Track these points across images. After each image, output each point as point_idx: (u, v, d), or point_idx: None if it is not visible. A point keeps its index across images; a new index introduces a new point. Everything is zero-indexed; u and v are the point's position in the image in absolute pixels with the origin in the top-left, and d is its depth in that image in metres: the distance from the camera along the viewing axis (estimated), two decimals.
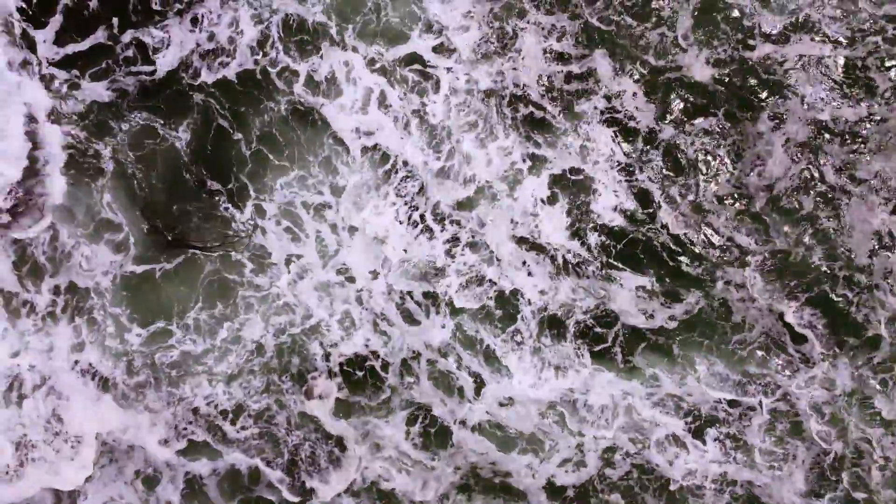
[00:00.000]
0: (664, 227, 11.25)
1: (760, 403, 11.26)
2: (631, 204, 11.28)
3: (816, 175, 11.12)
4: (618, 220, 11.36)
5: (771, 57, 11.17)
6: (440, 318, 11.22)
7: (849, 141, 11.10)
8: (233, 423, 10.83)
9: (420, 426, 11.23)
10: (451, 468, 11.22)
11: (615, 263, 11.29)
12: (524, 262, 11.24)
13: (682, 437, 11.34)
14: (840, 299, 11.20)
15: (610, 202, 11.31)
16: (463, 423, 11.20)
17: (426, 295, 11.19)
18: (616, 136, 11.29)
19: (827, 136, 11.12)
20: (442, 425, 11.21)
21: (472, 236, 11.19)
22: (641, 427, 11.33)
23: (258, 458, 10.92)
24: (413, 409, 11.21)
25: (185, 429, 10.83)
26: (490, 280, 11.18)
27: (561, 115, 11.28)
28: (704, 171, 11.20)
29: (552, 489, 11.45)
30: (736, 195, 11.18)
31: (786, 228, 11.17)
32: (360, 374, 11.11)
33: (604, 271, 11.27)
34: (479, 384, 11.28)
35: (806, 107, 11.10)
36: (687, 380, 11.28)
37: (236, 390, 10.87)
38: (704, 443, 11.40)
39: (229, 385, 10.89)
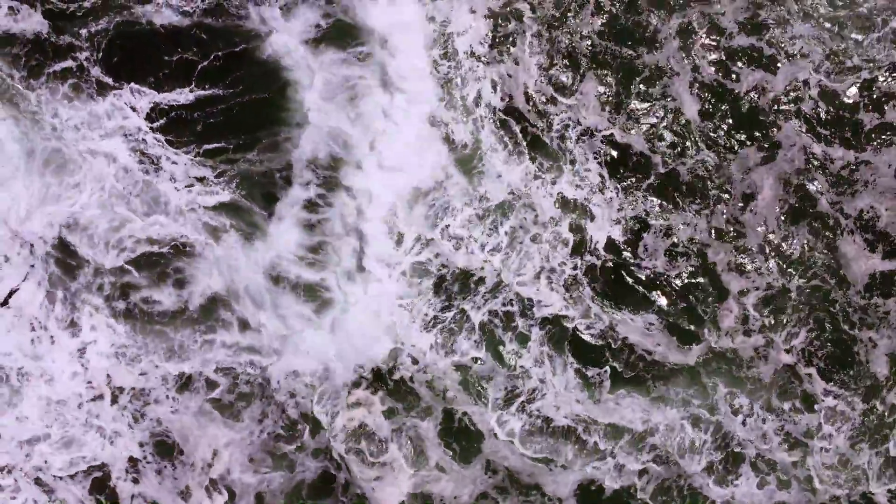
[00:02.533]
0: (659, 263, 11.53)
1: (785, 432, 11.51)
2: (625, 236, 11.57)
3: (807, 209, 11.46)
4: (612, 253, 11.59)
5: (758, 87, 11.52)
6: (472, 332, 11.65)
7: (836, 177, 11.45)
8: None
9: (455, 429, 11.56)
10: (488, 473, 11.59)
11: (612, 298, 11.58)
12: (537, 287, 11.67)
13: (714, 460, 11.57)
14: (843, 335, 11.43)
15: (604, 233, 11.60)
16: (498, 427, 11.55)
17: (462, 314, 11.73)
18: (604, 163, 11.57)
19: (815, 170, 11.44)
20: (476, 431, 11.56)
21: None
22: (674, 444, 11.57)
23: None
24: (448, 412, 11.60)
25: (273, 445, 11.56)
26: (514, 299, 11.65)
27: (552, 136, 11.61)
28: (696, 203, 11.53)
29: (586, 493, 11.57)
30: (726, 230, 11.49)
31: (780, 263, 11.46)
32: (395, 378, 11.63)
33: (605, 303, 11.56)
34: (511, 396, 11.64)
35: (793, 140, 11.44)
36: (715, 403, 11.54)
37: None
38: (734, 467, 11.61)
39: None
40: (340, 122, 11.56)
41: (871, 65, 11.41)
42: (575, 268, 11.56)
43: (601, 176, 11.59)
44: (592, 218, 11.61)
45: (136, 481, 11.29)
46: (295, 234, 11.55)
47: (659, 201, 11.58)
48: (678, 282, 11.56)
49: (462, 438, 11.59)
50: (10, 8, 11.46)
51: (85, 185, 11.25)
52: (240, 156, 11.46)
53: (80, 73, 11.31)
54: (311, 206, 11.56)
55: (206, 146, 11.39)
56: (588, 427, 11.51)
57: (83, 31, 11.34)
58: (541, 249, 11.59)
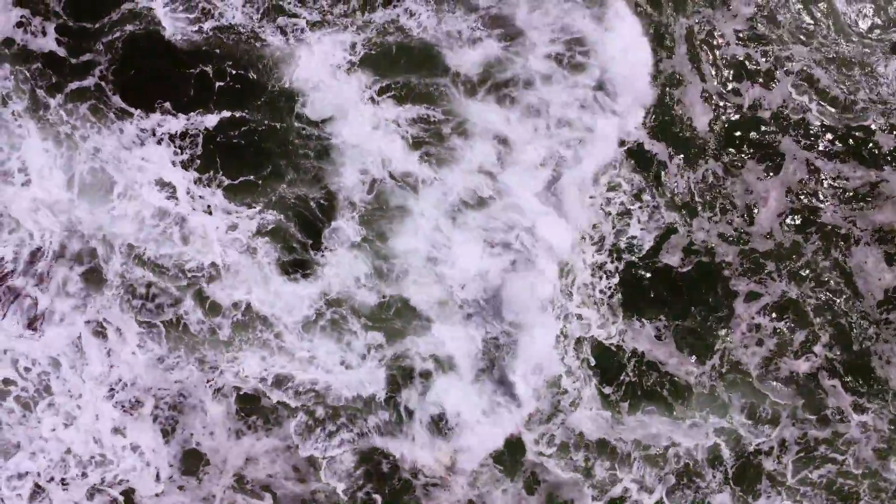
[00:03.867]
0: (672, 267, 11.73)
1: (808, 444, 11.77)
2: (652, 243, 11.79)
3: (816, 221, 11.71)
4: (644, 259, 11.78)
5: (760, 102, 11.72)
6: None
7: (845, 193, 11.73)
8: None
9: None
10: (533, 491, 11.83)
11: (634, 308, 11.73)
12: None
13: (730, 475, 11.85)
14: (860, 347, 11.73)
15: (646, 241, 11.79)
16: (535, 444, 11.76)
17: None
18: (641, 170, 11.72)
19: (824, 184, 11.72)
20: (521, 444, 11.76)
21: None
22: (693, 461, 11.82)
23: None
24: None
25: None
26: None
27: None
28: (707, 212, 11.71)
29: None
30: (736, 238, 11.72)
31: (792, 273, 11.71)
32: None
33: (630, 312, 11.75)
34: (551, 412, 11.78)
35: (798, 153, 11.67)
36: (731, 416, 11.76)
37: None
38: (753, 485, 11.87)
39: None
40: (394, 157, 11.46)
41: (881, 104, 11.77)
42: (611, 274, 11.75)
43: (644, 180, 11.74)
44: (627, 224, 11.78)
45: (159, 494, 11.55)
46: (350, 263, 11.53)
47: (679, 209, 11.81)
48: (690, 289, 11.80)
49: (508, 450, 11.79)
50: (23, 17, 11.04)
51: (120, 208, 11.20)
52: (271, 188, 11.42)
53: (99, 93, 11.11)
54: (364, 241, 11.55)
55: (232, 181, 11.35)
56: (616, 445, 11.74)
57: (99, 47, 11.06)
58: (585, 260, 11.73)
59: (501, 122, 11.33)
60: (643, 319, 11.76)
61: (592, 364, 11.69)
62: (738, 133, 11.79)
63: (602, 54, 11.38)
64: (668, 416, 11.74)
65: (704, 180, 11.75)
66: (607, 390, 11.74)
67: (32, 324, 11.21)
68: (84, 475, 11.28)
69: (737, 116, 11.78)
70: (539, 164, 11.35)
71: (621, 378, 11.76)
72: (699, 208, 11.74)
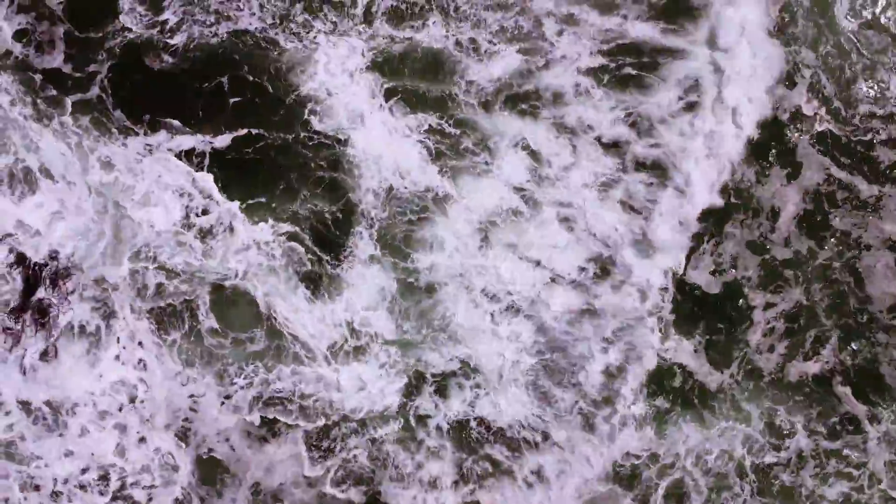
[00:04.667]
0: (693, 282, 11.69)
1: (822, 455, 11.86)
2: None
3: (830, 227, 11.75)
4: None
5: (781, 103, 11.64)
6: None
7: (855, 201, 11.78)
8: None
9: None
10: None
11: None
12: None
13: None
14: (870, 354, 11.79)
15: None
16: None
17: None
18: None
19: (837, 191, 11.71)
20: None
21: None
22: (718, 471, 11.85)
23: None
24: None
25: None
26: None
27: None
28: (740, 214, 11.71)
29: None
30: (757, 243, 11.77)
31: (807, 278, 11.76)
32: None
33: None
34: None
35: (814, 158, 11.64)
36: (753, 425, 11.81)
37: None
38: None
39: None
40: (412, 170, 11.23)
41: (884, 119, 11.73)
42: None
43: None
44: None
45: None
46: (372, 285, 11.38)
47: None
48: (715, 299, 11.81)
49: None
50: (29, 24, 10.86)
51: (137, 215, 11.16)
52: (286, 204, 11.34)
53: (100, 105, 11.04)
54: (385, 256, 11.40)
55: (243, 198, 11.26)
56: (658, 456, 11.79)
57: (100, 57, 10.98)
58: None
59: (528, 136, 11.16)
60: (680, 333, 11.83)
61: (646, 379, 11.72)
62: (763, 136, 11.78)
63: (670, 74, 11.11)
64: (700, 427, 11.82)
65: (742, 182, 11.74)
66: (657, 403, 11.82)
67: (45, 355, 11.27)
68: (104, 480, 11.39)
69: (762, 119, 11.78)
70: (582, 184, 11.12)
71: (664, 390, 11.81)
72: (732, 212, 11.77)
